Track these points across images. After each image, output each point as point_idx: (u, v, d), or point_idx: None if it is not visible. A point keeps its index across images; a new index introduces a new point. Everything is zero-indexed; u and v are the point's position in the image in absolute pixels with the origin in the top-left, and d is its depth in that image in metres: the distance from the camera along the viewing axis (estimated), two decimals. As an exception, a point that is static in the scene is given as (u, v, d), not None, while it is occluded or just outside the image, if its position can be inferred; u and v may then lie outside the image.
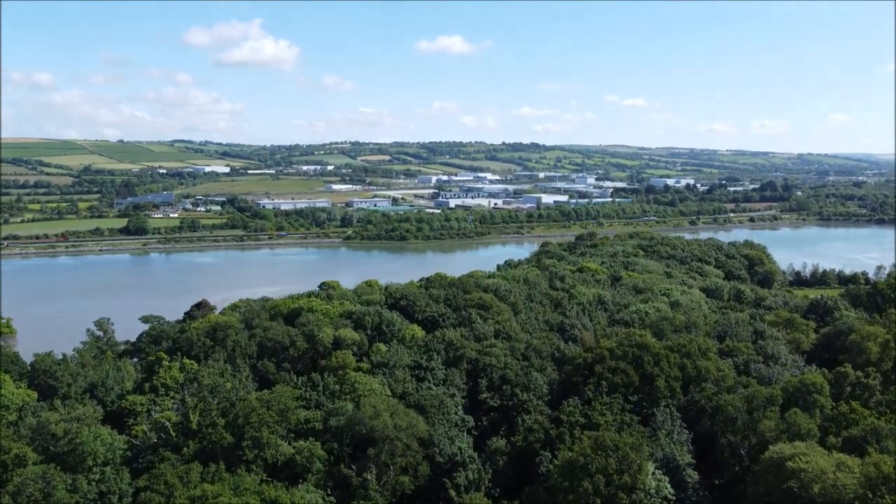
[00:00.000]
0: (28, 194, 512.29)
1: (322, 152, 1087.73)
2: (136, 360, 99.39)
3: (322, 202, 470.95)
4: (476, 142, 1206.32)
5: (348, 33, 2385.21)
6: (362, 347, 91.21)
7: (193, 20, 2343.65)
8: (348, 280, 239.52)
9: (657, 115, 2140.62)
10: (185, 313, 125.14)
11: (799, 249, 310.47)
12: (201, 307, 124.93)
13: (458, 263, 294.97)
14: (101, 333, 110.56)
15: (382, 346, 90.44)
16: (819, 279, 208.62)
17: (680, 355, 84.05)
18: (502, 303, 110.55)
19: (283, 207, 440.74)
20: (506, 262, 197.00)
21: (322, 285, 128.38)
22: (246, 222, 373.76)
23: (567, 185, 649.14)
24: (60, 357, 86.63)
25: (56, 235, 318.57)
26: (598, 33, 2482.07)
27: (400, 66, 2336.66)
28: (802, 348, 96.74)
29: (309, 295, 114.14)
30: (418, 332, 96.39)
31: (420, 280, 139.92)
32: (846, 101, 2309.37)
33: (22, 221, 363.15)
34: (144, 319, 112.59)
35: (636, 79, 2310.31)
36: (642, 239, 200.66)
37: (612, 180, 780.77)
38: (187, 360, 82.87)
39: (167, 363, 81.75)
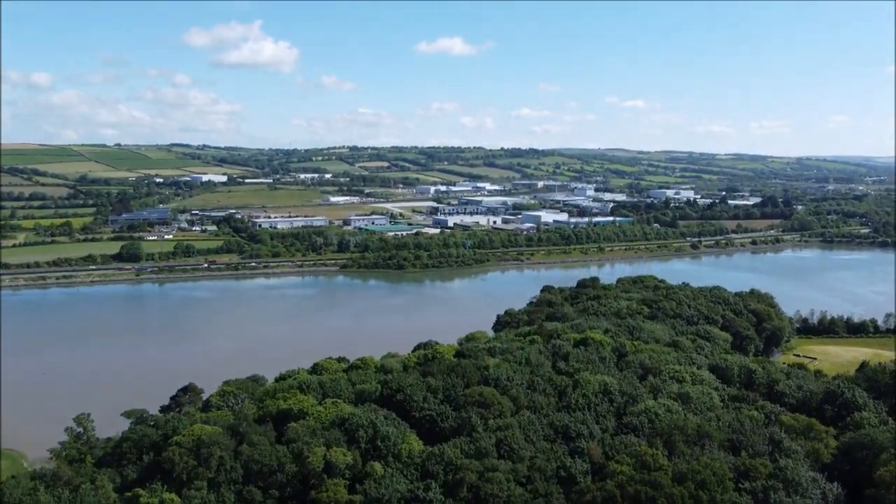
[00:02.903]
0: (23, 207, 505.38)
1: (320, 158, 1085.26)
2: (115, 468, 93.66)
3: (319, 219, 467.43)
4: (474, 147, 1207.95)
5: (348, 35, 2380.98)
6: (355, 468, 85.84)
7: (193, 21, 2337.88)
8: (343, 321, 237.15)
9: (656, 117, 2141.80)
10: (172, 398, 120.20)
11: (803, 281, 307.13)
12: (188, 391, 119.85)
13: (457, 297, 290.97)
14: (80, 430, 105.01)
15: (378, 467, 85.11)
16: (827, 327, 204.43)
17: (694, 484, 79.62)
18: (504, 396, 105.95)
19: (279, 226, 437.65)
20: (506, 311, 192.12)
21: (315, 367, 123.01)
22: (241, 246, 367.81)
23: (566, 198, 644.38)
24: (33, 484, 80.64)
25: (47, 263, 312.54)
26: (599, 34, 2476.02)
27: (400, 68, 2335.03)
28: (822, 460, 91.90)
29: (300, 387, 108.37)
30: (415, 444, 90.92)
31: (416, 354, 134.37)
32: (846, 103, 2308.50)
33: (14, 246, 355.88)
34: (127, 415, 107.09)
35: (636, 80, 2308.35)
36: (646, 288, 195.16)
37: (612, 190, 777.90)
38: (167, 495, 77.34)
39: (145, 500, 76.28)
